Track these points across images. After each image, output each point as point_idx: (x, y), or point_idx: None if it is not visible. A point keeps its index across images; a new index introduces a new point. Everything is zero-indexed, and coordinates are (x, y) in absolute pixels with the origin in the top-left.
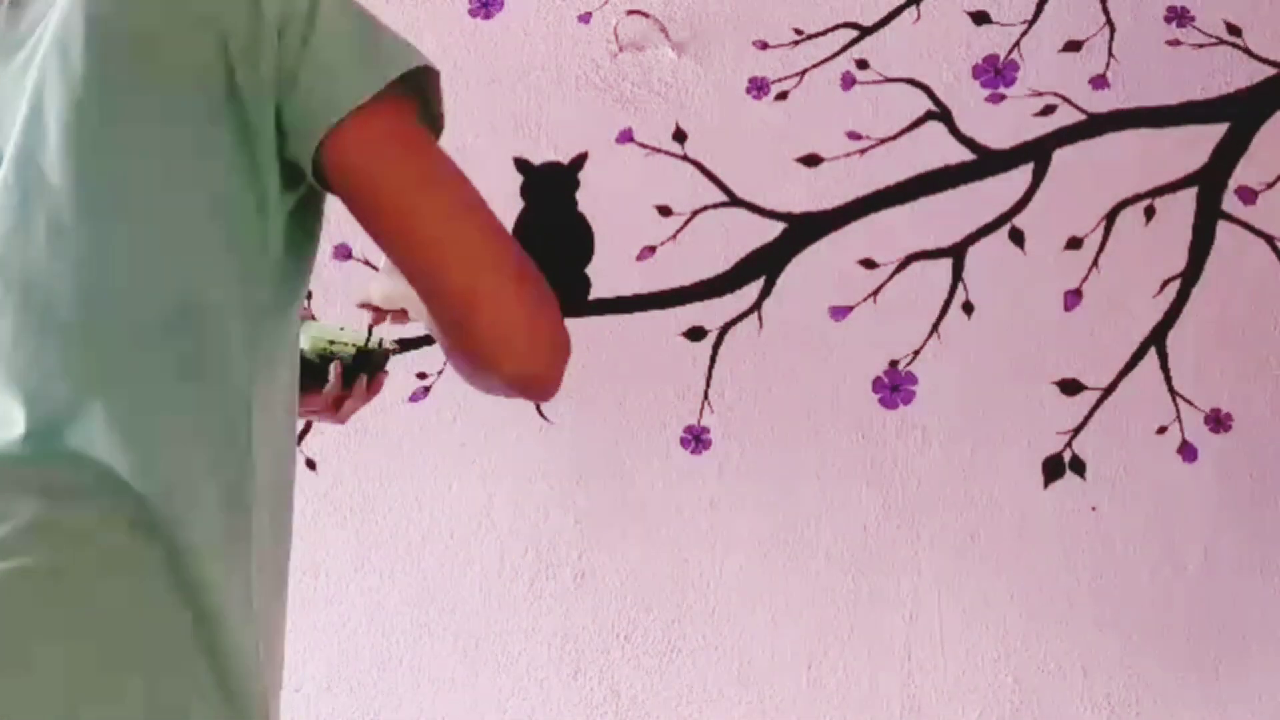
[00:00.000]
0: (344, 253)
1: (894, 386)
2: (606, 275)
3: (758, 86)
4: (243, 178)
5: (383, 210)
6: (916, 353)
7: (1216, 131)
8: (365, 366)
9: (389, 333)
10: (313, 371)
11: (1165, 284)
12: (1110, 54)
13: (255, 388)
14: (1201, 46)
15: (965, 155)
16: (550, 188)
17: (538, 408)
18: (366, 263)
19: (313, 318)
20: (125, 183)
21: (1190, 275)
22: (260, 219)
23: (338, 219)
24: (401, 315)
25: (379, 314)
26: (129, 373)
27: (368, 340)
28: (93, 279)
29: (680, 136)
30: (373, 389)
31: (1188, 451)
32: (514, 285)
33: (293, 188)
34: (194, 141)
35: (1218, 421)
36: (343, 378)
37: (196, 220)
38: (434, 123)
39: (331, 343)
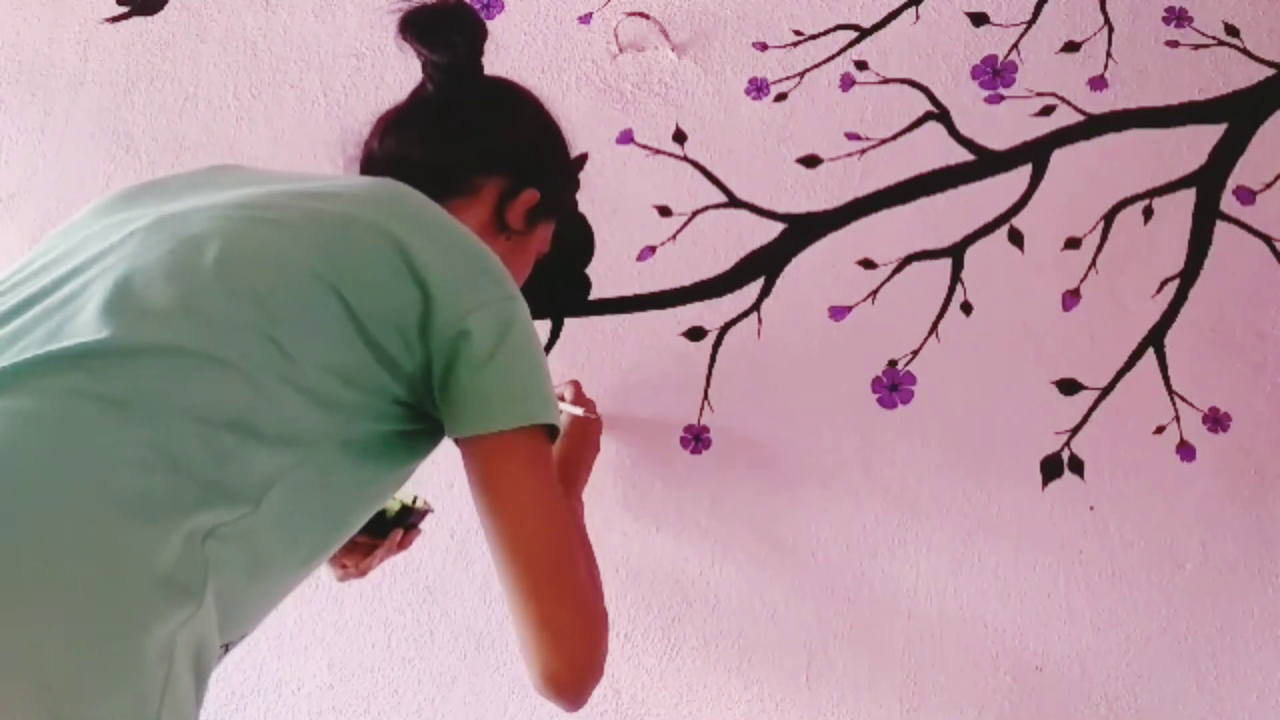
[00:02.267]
0: None
1: (893, 386)
2: (606, 275)
3: (757, 87)
4: (365, 361)
5: (480, 505)
6: (915, 353)
7: (1215, 132)
8: (403, 521)
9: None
10: None
11: (1164, 284)
12: (1109, 55)
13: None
14: (1200, 47)
15: (964, 156)
16: None
17: None
18: None
19: None
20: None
21: (1188, 275)
22: (359, 396)
23: None
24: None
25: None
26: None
27: (414, 499)
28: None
29: (680, 137)
30: (403, 543)
31: (1186, 451)
32: (549, 618)
33: (409, 415)
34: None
35: (1216, 421)
36: (382, 528)
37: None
38: (553, 433)
39: None
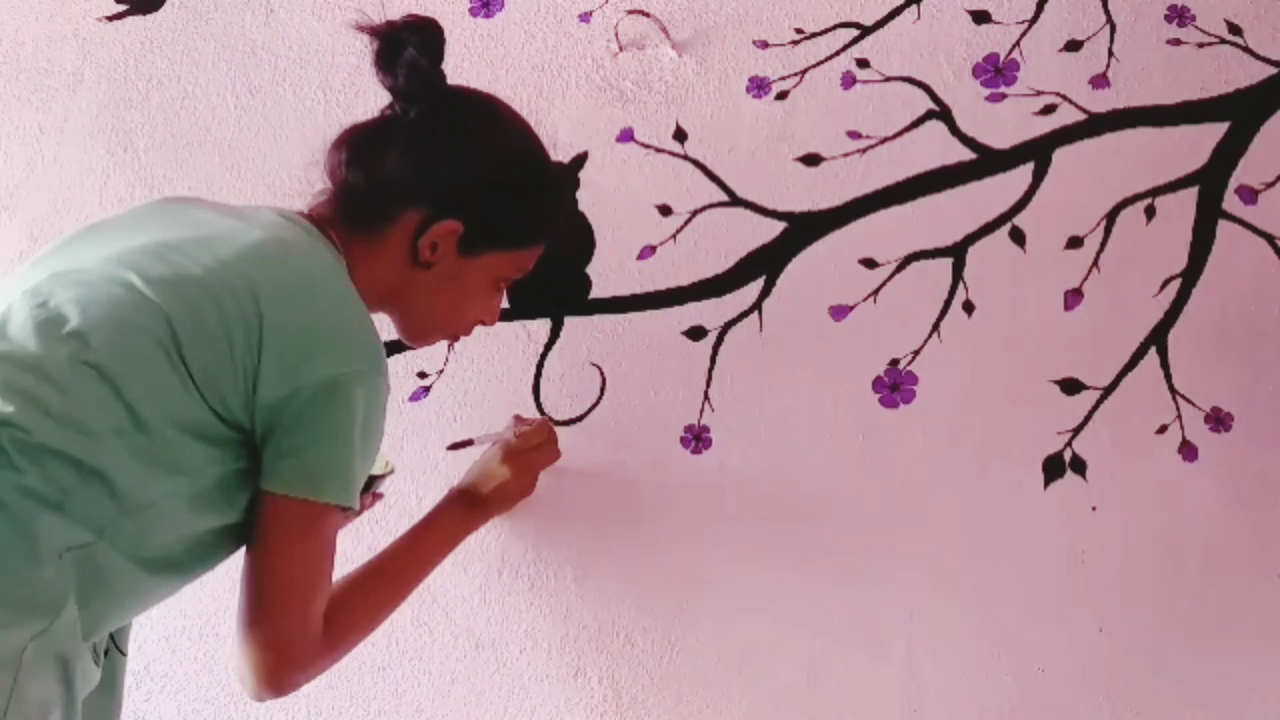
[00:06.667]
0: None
1: (894, 386)
2: (606, 275)
3: (758, 86)
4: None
5: (248, 544)
6: (917, 352)
7: (1217, 131)
8: (366, 485)
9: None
10: None
11: (1166, 283)
12: (1111, 53)
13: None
14: (1202, 46)
15: (965, 155)
16: None
17: (538, 406)
18: None
19: None
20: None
21: (1191, 274)
22: (190, 440)
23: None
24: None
25: None
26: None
27: (385, 464)
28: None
29: (680, 136)
30: (364, 507)
31: (1188, 451)
32: (258, 646)
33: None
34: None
35: (1218, 421)
36: None
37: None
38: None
39: None
